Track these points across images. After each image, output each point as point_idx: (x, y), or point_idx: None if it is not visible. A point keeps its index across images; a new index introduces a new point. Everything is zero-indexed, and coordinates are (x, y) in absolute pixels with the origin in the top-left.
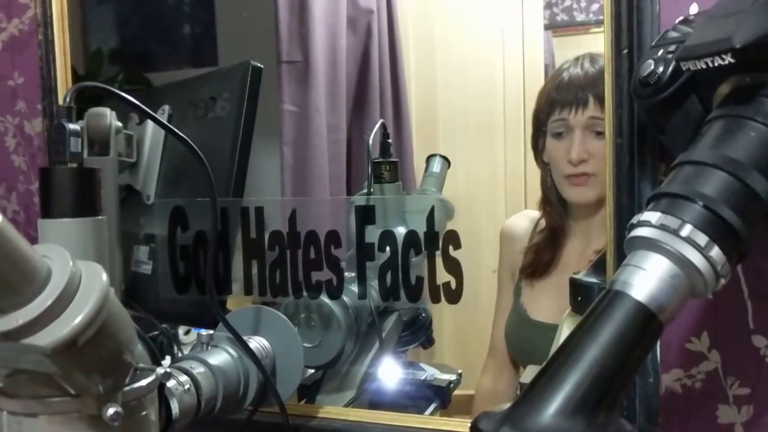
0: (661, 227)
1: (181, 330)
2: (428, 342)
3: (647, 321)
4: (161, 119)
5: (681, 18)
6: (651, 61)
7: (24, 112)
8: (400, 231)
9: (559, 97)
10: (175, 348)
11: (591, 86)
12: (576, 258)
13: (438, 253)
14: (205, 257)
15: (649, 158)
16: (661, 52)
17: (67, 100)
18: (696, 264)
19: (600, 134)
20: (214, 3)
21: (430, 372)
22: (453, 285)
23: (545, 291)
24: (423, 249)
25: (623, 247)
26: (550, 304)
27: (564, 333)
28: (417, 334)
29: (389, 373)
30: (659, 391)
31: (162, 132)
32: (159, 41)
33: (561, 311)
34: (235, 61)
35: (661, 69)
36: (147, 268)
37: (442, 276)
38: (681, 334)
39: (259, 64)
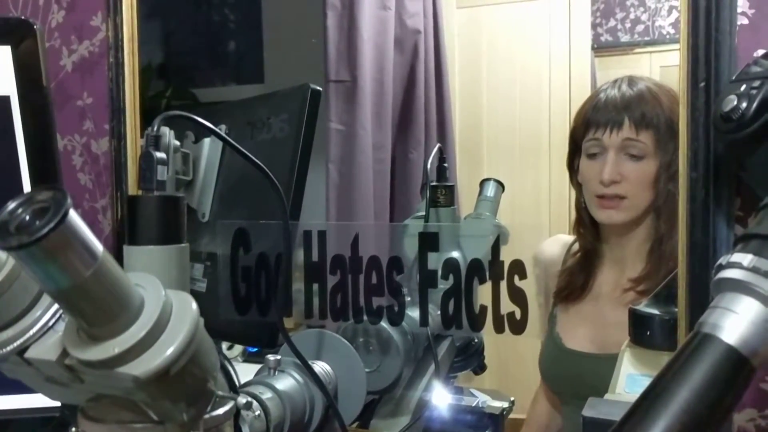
0: (754, 270)
1: (225, 344)
2: (480, 368)
3: (739, 366)
4: (247, 153)
5: (763, 52)
6: (734, 96)
7: (91, 131)
8: (455, 256)
9: (594, 118)
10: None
11: (627, 108)
12: (610, 287)
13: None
14: (267, 279)
15: (725, 192)
16: (744, 87)
17: (155, 129)
18: None
19: (634, 157)
20: (261, 21)
21: (481, 398)
22: (518, 315)
23: (579, 319)
24: (488, 278)
25: (710, 288)
26: (584, 334)
27: (624, 364)
28: (470, 359)
29: (442, 399)
30: None
31: (218, 151)
32: (206, 58)
33: (595, 341)
34: (282, 79)
35: (744, 104)
36: (201, 286)
37: (506, 305)
38: None
39: (317, 87)
